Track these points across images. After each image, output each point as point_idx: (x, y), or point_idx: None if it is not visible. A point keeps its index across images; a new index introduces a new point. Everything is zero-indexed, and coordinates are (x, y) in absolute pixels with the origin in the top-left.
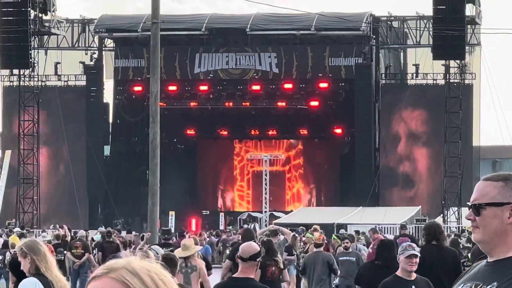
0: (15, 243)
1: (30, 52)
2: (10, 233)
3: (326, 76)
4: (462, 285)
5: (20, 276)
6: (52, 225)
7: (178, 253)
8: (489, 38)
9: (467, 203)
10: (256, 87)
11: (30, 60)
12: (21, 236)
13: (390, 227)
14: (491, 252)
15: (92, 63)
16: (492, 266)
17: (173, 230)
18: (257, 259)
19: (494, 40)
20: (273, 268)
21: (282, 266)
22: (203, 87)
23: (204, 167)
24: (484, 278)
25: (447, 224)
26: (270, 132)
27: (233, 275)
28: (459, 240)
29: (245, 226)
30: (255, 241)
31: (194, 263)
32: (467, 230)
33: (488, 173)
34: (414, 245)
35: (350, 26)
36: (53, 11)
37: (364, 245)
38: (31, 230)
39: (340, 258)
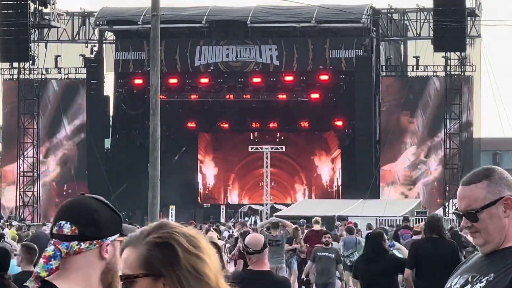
0: (16, 237)
1: (30, 45)
2: (10, 227)
3: (327, 69)
4: (458, 277)
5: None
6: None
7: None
8: (489, 30)
9: (454, 211)
10: (256, 80)
11: (30, 53)
12: (19, 229)
13: (391, 219)
14: (491, 250)
15: (92, 56)
16: (489, 257)
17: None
18: (267, 246)
19: (494, 32)
20: None
21: None
22: (204, 80)
23: (204, 160)
24: (481, 270)
25: (447, 216)
26: (271, 125)
27: (250, 268)
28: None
29: (246, 219)
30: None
31: None
32: None
33: (489, 165)
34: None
35: (351, 18)
36: (53, 4)
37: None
38: (32, 224)
39: (318, 254)
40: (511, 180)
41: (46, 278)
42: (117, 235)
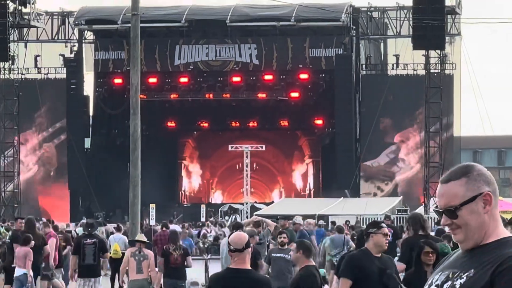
0: None
1: (9, 45)
2: None
3: (306, 67)
4: (440, 273)
5: None
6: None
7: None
8: (469, 28)
9: (434, 209)
10: (236, 79)
11: (9, 53)
12: None
13: (371, 218)
14: (472, 246)
15: (72, 55)
16: (470, 253)
17: (154, 222)
18: (250, 246)
19: (474, 30)
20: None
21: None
22: (183, 79)
23: (184, 159)
24: (461, 266)
25: (428, 214)
26: (251, 124)
27: (230, 266)
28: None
29: (226, 218)
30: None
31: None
32: None
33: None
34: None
35: (330, 17)
36: (32, 4)
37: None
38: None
39: (273, 255)
40: (490, 177)
41: None
42: None
